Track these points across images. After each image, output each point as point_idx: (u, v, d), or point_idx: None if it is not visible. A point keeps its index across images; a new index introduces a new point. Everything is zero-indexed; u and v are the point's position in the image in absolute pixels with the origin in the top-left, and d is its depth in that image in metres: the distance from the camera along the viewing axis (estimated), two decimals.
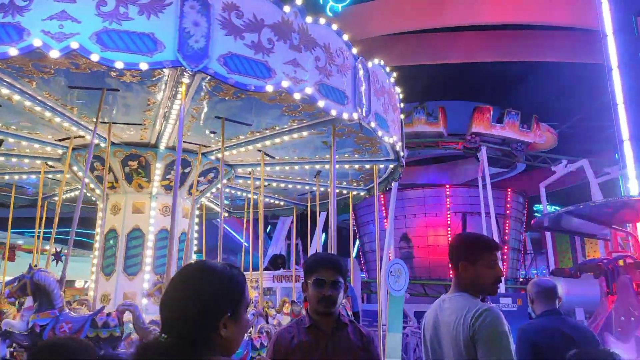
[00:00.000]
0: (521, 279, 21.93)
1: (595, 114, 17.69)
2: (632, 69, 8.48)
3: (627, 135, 8.38)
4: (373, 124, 5.77)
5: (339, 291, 2.25)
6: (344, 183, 8.63)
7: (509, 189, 21.93)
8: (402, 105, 7.42)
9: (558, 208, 20.39)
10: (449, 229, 20.21)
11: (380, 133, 5.97)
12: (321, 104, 4.93)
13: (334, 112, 5.11)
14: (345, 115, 5.24)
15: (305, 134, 6.10)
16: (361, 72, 5.64)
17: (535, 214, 23.87)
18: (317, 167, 7.68)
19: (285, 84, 4.54)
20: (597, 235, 11.30)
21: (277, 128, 6.01)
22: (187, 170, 6.87)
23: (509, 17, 15.05)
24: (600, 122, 17.36)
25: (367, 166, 7.57)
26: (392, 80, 6.79)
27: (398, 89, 7.11)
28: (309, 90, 4.79)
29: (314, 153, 7.06)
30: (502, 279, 2.46)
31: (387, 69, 6.58)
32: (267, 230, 27.46)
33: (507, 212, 21.78)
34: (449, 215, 20.58)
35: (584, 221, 8.98)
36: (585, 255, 21.43)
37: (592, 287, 9.90)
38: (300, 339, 2.23)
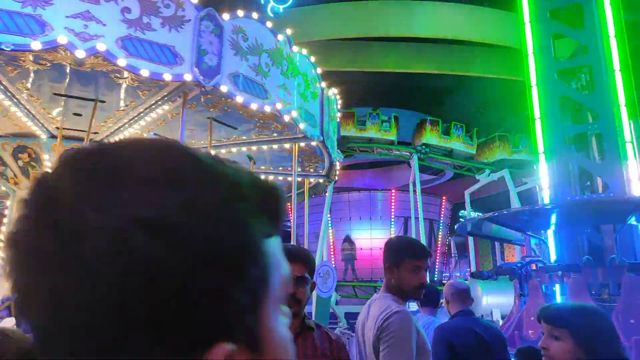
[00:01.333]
0: (444, 281, 23.08)
1: (516, 127, 18.96)
2: (549, 87, 9.20)
3: (541, 148, 9.09)
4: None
5: (305, 288, 1.90)
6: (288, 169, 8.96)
7: (444, 197, 23.00)
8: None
9: (480, 214, 21.70)
10: (391, 232, 20.74)
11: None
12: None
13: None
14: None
15: (265, 147, 6.89)
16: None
17: (460, 219, 25.21)
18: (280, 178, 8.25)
19: (278, 106, 5.06)
20: (513, 241, 12.12)
21: (245, 138, 6.60)
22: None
23: (440, 30, 15.80)
24: (521, 135, 18.63)
25: (299, 179, 8.12)
26: (283, 38, 6.98)
27: (304, 51, 7.04)
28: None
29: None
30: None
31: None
32: None
33: (441, 217, 22.83)
34: (392, 219, 21.16)
35: (500, 227, 9.59)
36: (504, 259, 22.94)
37: (508, 290, 10.60)
38: None
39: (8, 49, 3.94)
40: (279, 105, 5.06)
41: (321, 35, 15.59)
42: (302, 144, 6.74)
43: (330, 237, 20.90)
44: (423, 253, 2.33)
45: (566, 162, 8.79)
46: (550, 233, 8.73)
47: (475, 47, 17.16)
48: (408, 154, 19.16)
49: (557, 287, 8.41)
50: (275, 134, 6.35)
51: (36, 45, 3.90)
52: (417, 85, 20.90)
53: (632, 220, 8.01)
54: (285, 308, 0.50)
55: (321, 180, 8.37)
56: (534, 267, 9.12)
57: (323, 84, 6.61)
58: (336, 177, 8.34)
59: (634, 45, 9.45)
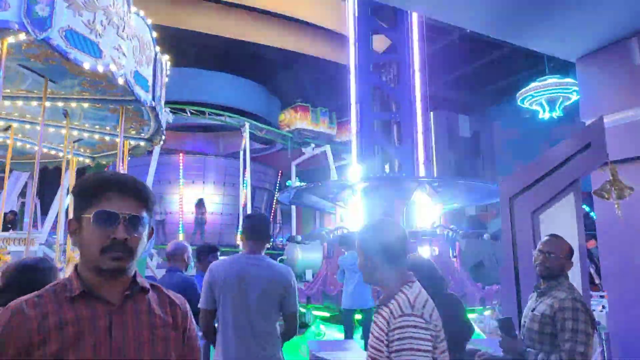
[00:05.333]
0: (269, 245, 24.37)
1: (343, 106, 20.77)
2: (364, 77, 10.41)
3: (354, 130, 10.30)
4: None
5: (141, 234, 1.36)
6: (108, 128, 8.22)
7: (280, 170, 24.18)
8: (169, 63, 7.68)
9: (305, 184, 23.30)
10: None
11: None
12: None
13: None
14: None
15: (86, 105, 6.46)
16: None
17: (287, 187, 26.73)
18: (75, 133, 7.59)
19: (113, 67, 4.80)
20: (325, 210, 13.48)
21: (63, 93, 6.10)
22: None
23: (279, 5, 16.20)
24: (345, 115, 20.46)
25: (107, 138, 7.86)
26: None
27: (141, 12, 7.16)
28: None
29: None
30: None
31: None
32: None
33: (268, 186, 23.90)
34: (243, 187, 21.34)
35: (318, 198, 10.66)
36: (323, 225, 25.20)
37: (319, 252, 11.89)
38: (61, 317, 1.26)
39: (87, 69, 4.47)
40: (113, 67, 4.78)
41: None
42: (130, 107, 6.44)
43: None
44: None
45: (372, 144, 10.16)
46: (354, 204, 10.04)
47: (310, 27, 18.06)
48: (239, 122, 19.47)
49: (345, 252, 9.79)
50: (98, 94, 6.03)
51: (100, 68, 4.58)
52: (252, 53, 21.09)
53: (416, 197, 9.73)
54: None
55: (142, 143, 8.03)
56: (338, 232, 10.42)
57: (157, 49, 6.36)
58: (161, 142, 8.09)
59: (432, 49, 11.21)
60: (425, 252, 8.95)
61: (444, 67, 19.14)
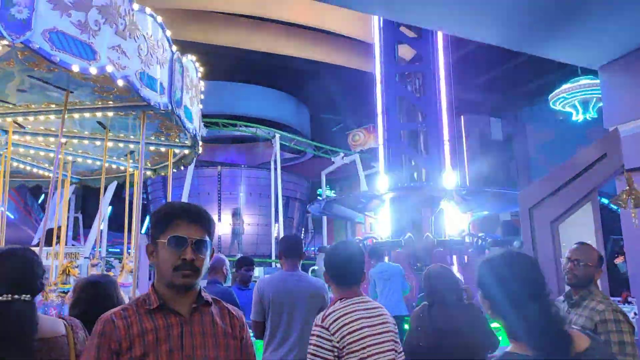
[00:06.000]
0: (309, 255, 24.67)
1: (370, 114, 20.94)
2: (390, 87, 10.56)
3: (381, 140, 10.45)
4: (182, 116, 6.17)
5: (205, 255, 1.59)
6: (132, 161, 8.49)
7: (311, 179, 24.34)
8: (202, 96, 7.63)
9: (334, 194, 23.48)
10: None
11: (187, 124, 6.45)
12: (143, 92, 5.07)
13: (151, 101, 5.29)
14: (160, 104, 5.43)
15: (110, 114, 6.16)
16: (177, 66, 5.95)
17: (318, 197, 26.98)
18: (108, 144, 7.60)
19: (109, 68, 4.48)
20: (355, 220, 13.64)
21: (86, 103, 5.92)
22: None
23: (307, 17, 16.56)
24: (374, 122, 20.58)
25: (163, 149, 7.75)
26: (199, 74, 7.12)
27: (201, 83, 7.40)
28: (132, 78, 4.86)
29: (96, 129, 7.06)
30: None
31: (197, 64, 6.95)
32: (40, 201, 24.35)
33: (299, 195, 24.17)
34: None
35: (347, 208, 10.85)
36: (355, 235, 25.25)
37: None
38: (143, 326, 1.50)
39: (75, 71, 4.26)
40: (109, 68, 4.49)
41: (188, 5, 15.22)
42: (150, 112, 6.10)
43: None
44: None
45: (400, 154, 10.28)
46: (383, 214, 10.18)
47: (337, 37, 18.36)
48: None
49: (386, 259, 9.91)
50: (117, 101, 5.81)
51: (93, 70, 4.31)
52: (281, 65, 21.57)
53: (444, 205, 9.78)
54: None
55: (187, 152, 7.83)
56: (370, 242, 10.56)
57: (174, 48, 5.96)
58: (200, 149, 7.81)
59: (455, 57, 11.26)
60: (454, 261, 8.98)
61: (474, 70, 19.03)
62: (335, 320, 2.11)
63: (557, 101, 15.38)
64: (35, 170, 9.31)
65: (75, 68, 4.22)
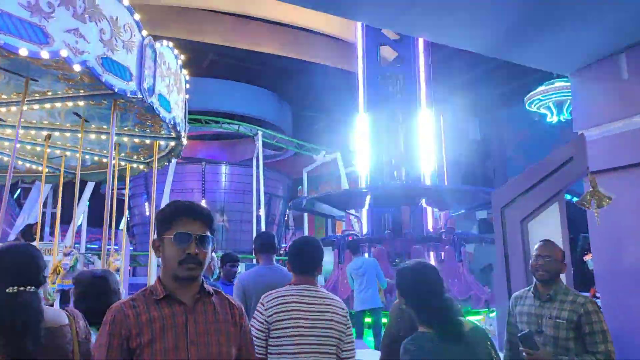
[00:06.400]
0: (282, 251, 24.77)
1: (353, 112, 21.16)
2: (372, 87, 10.79)
3: (363, 139, 10.67)
4: (156, 104, 5.79)
5: (207, 249, 1.75)
6: (122, 155, 8.36)
7: (292, 177, 24.27)
8: (187, 86, 7.42)
9: (316, 190, 23.65)
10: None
11: (163, 113, 6.06)
12: (104, 77, 4.79)
13: (115, 87, 4.97)
14: (126, 91, 5.15)
15: (81, 103, 5.85)
16: (148, 52, 5.57)
17: (299, 194, 27.12)
18: (93, 136, 7.30)
19: (64, 53, 4.25)
20: (336, 217, 13.86)
21: (50, 93, 5.59)
22: None
23: (290, 16, 16.69)
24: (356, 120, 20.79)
25: (148, 141, 7.56)
26: (180, 62, 6.84)
27: (185, 72, 7.20)
28: (90, 63, 4.57)
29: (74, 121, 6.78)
30: None
31: (176, 52, 6.58)
32: (15, 196, 23.86)
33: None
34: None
35: (329, 206, 11.06)
36: (335, 231, 25.49)
37: (330, 258, 12.26)
38: (150, 314, 1.65)
39: (24, 55, 4.09)
40: (64, 53, 4.25)
41: (171, 1, 15.17)
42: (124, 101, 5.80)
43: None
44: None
45: (380, 153, 10.53)
46: (364, 211, 10.41)
47: (320, 36, 18.52)
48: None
49: (366, 255, 10.15)
50: (86, 89, 5.53)
51: (45, 54, 4.12)
52: (264, 62, 21.62)
53: (423, 203, 10.07)
54: None
55: (173, 144, 7.62)
56: (350, 239, 10.80)
57: (144, 33, 5.54)
58: (184, 140, 7.50)
59: (435, 58, 11.57)
60: (431, 257, 9.27)
61: (454, 71, 19.40)
62: (271, 299, 2.40)
63: (533, 103, 15.87)
64: (28, 165, 9.14)
65: (24, 52, 4.02)
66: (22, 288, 1.88)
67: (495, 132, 24.81)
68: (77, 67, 4.46)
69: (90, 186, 15.38)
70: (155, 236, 1.80)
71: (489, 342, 2.11)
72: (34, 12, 4.12)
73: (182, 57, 6.96)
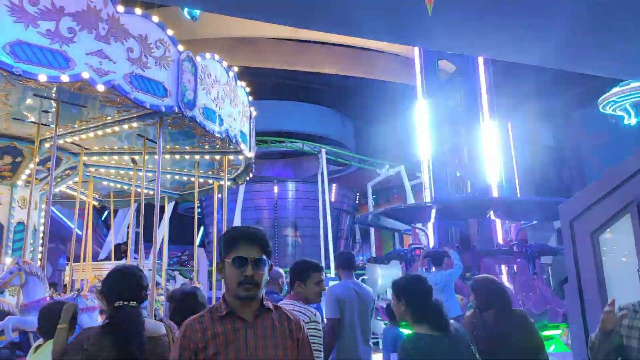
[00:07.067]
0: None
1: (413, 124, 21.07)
2: (433, 101, 10.82)
3: (425, 155, 10.71)
4: (200, 117, 5.79)
5: (264, 271, 1.92)
6: (210, 172, 8.88)
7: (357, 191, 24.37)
8: (250, 98, 7.72)
9: (383, 204, 23.59)
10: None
11: (210, 126, 6.06)
12: (133, 95, 4.91)
13: (147, 104, 5.11)
14: (162, 107, 5.27)
15: (134, 124, 6.02)
16: (187, 66, 5.61)
17: (364, 209, 27.18)
18: (168, 157, 7.72)
19: (85, 75, 4.41)
20: (402, 230, 13.84)
21: (109, 118, 5.93)
22: (18, 159, 6.78)
23: (349, 38, 17.11)
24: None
25: (217, 157, 7.74)
26: (232, 74, 6.83)
27: (242, 83, 7.41)
28: (117, 82, 4.75)
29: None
30: None
31: (225, 64, 6.54)
32: (103, 217, 25.92)
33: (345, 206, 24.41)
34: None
35: (393, 220, 11.14)
36: (403, 244, 25.21)
37: (398, 271, 12.26)
38: (215, 330, 1.83)
39: (43, 81, 4.38)
40: (85, 75, 4.44)
41: (238, 32, 16.17)
42: (231, 157, 7.18)
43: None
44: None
45: (444, 166, 10.49)
46: (430, 224, 10.39)
47: (378, 54, 18.78)
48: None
49: (433, 269, 10.06)
50: (217, 148, 6.81)
51: (65, 78, 4.38)
52: (325, 82, 22.22)
53: (492, 215, 9.88)
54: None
55: (229, 183, 8.53)
56: (418, 252, 10.75)
57: (180, 48, 5.55)
58: (250, 154, 7.82)
59: (498, 63, 11.35)
60: (502, 270, 9.05)
61: (520, 76, 18.78)
62: None
63: (607, 105, 14.99)
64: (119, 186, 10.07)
65: (42, 78, 4.23)
66: (125, 303, 2.26)
67: (569, 136, 23.47)
68: (100, 88, 4.65)
69: (170, 206, 16.53)
70: (218, 259, 2.03)
71: (469, 339, 2.56)
72: (54, 39, 4.37)
73: (236, 68, 7.00)
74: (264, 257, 1.93)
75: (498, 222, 10.69)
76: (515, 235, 10.22)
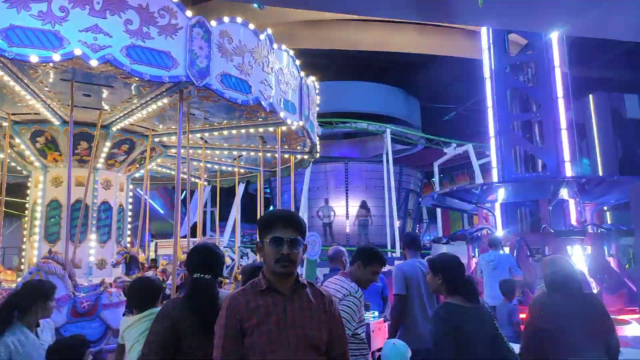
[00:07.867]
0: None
1: (483, 102, 20.39)
2: (500, 79, 10.48)
3: (492, 132, 10.45)
4: (215, 85, 5.74)
5: (298, 250, 2.09)
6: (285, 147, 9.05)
7: (424, 170, 23.90)
8: (318, 109, 8.68)
9: (450, 183, 23.05)
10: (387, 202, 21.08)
11: (230, 94, 5.96)
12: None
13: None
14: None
15: (166, 101, 6.39)
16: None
17: (431, 188, 26.82)
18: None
19: (78, 51, 4.60)
20: (468, 211, 13.64)
21: (234, 122, 7.44)
22: (93, 144, 7.20)
23: None
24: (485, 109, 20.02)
25: (287, 156, 9.20)
26: (264, 37, 6.43)
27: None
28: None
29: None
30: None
31: (251, 26, 6.25)
32: (182, 197, 27.68)
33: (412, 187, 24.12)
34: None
35: (459, 201, 11.05)
36: (472, 224, 24.66)
37: (464, 252, 12.18)
38: (256, 302, 2.03)
39: (35, 62, 4.63)
40: (78, 51, 4.67)
41: (303, 17, 16.43)
42: (284, 128, 7.40)
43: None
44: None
45: (512, 145, 10.18)
46: (497, 205, 10.20)
47: (443, 28, 18.23)
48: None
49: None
50: (260, 119, 7.19)
51: (56, 57, 4.55)
52: (389, 60, 21.92)
53: (565, 195, 9.52)
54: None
55: (305, 157, 9.30)
56: (485, 232, 10.64)
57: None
58: (317, 154, 9.13)
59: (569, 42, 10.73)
60: (575, 252, 8.77)
61: (600, 46, 17.50)
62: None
63: None
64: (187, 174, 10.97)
65: (34, 59, 4.51)
66: (202, 275, 2.55)
67: None
68: (94, 63, 4.65)
69: (241, 187, 17.44)
70: (258, 239, 2.22)
71: (492, 314, 2.97)
72: (45, 19, 4.49)
73: (269, 30, 6.50)
74: (299, 237, 2.11)
75: (571, 202, 10.27)
76: (591, 216, 9.79)
